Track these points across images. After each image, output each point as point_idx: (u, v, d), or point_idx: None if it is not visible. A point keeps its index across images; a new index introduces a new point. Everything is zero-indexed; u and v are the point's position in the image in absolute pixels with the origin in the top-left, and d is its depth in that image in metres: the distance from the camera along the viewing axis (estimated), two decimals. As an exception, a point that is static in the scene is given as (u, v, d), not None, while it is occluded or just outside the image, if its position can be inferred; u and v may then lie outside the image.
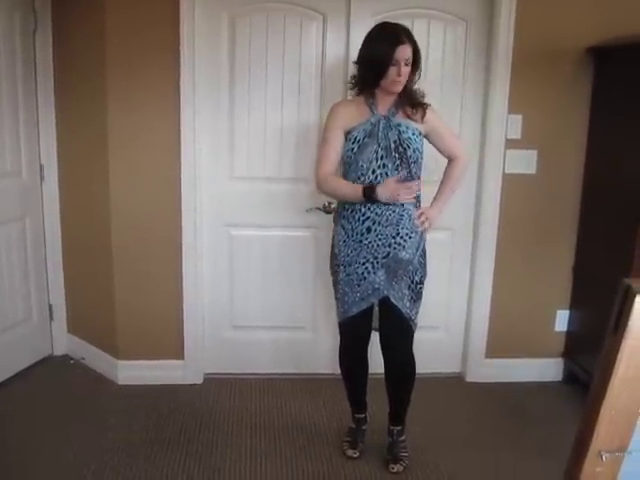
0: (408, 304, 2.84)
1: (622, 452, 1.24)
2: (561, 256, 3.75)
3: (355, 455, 3.07)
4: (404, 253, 2.81)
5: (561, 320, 3.84)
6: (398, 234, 2.80)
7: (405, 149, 2.76)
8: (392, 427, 3.08)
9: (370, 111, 2.79)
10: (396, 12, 3.46)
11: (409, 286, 2.84)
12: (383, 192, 2.71)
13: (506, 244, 3.69)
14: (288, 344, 3.87)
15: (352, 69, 3.46)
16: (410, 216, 2.81)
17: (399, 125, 2.77)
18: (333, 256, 2.97)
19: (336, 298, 2.99)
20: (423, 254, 2.91)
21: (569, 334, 3.85)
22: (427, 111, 2.83)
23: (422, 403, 3.17)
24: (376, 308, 2.91)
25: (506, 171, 3.59)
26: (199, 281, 3.70)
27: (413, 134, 2.78)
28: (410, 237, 2.82)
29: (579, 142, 3.61)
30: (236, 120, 3.57)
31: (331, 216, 3.61)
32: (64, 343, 4.07)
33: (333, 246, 2.97)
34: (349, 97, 3.03)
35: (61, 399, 3.56)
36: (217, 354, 3.85)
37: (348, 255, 2.86)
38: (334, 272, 2.97)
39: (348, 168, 2.84)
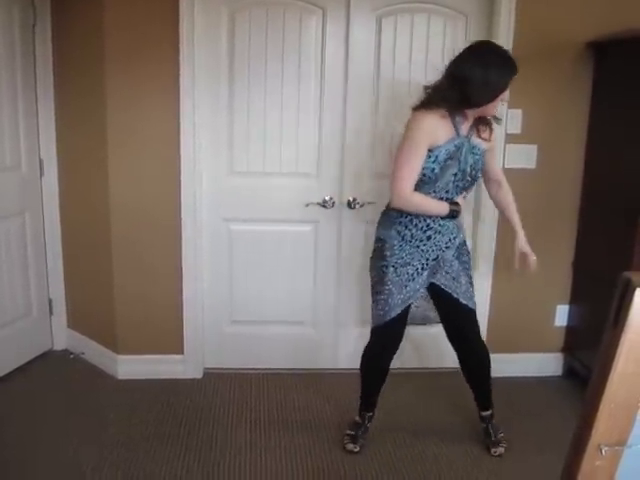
0: (472, 297, 2.97)
1: (621, 446, 1.24)
2: (561, 251, 3.75)
3: (356, 450, 3.08)
4: (448, 252, 2.91)
5: (561, 315, 3.84)
6: (449, 240, 2.89)
7: (477, 172, 2.83)
8: (483, 413, 3.15)
9: (455, 131, 2.72)
10: (396, 6, 3.46)
11: (470, 282, 2.98)
12: (462, 210, 2.87)
13: (506, 239, 3.67)
14: (288, 339, 3.87)
15: (351, 64, 3.49)
16: (456, 222, 2.92)
17: (474, 148, 2.79)
18: (380, 257, 2.92)
19: (376, 300, 2.95)
20: (468, 251, 3.04)
21: (569, 329, 3.85)
22: (494, 131, 2.87)
23: (422, 398, 3.18)
24: (415, 303, 2.98)
25: (506, 166, 3.58)
26: (199, 276, 3.69)
27: (482, 155, 2.82)
28: (455, 239, 2.92)
29: (579, 137, 3.60)
30: (235, 114, 3.57)
31: (331, 211, 3.63)
32: (64, 338, 4.07)
33: (381, 249, 2.92)
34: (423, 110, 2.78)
35: (61, 394, 3.56)
36: (217, 349, 3.85)
37: (402, 258, 2.87)
38: (380, 273, 2.92)
39: (421, 185, 2.76)
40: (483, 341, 3.05)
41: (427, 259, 2.88)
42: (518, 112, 3.53)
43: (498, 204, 3.12)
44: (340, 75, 3.52)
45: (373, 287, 2.98)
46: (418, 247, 2.86)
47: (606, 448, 1.23)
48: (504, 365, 3.80)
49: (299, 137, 3.61)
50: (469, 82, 2.59)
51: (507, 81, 2.64)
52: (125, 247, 3.61)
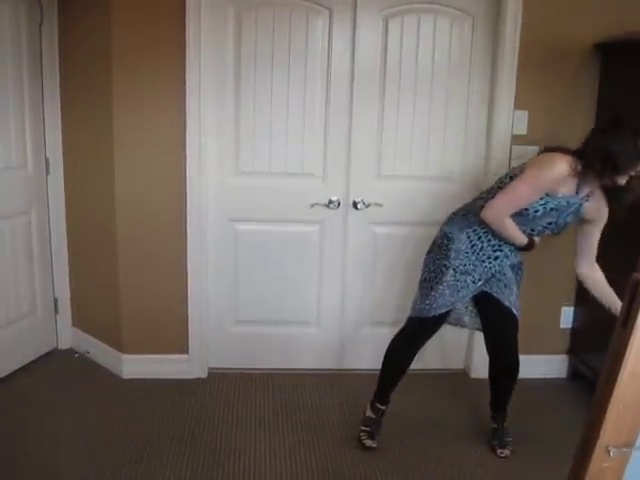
0: (519, 307, 2.97)
1: (629, 448, 1.24)
2: (566, 253, 3.72)
3: (374, 445, 3.08)
4: (506, 268, 2.95)
5: (566, 317, 3.83)
6: (512, 262, 2.96)
7: (568, 224, 2.86)
8: (496, 415, 3.16)
9: (575, 190, 2.77)
10: (402, 7, 3.46)
11: (520, 293, 3.00)
12: (532, 249, 2.92)
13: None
14: (293, 339, 3.87)
15: (357, 64, 3.48)
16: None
17: (579, 210, 2.81)
18: (443, 255, 2.95)
19: (425, 294, 2.98)
20: (521, 263, 3.05)
21: (574, 331, 3.84)
22: (607, 208, 2.83)
23: (426, 399, 3.18)
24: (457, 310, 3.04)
25: (512, 167, 3.58)
26: (204, 276, 3.70)
27: (580, 217, 2.86)
28: (515, 257, 2.98)
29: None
30: (242, 114, 3.57)
31: (336, 211, 3.63)
32: (69, 337, 4.08)
33: (446, 247, 2.95)
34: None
35: (65, 393, 3.56)
36: (222, 349, 3.85)
37: (464, 265, 2.91)
38: (438, 271, 2.95)
39: (519, 215, 2.81)
40: (517, 353, 3.04)
41: (487, 274, 2.92)
42: (524, 113, 3.52)
43: (593, 286, 3.06)
44: (346, 75, 3.52)
45: (426, 280, 3.00)
46: (483, 262, 2.90)
47: (614, 450, 1.23)
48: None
49: (305, 137, 3.60)
50: (601, 154, 2.63)
51: (635, 168, 2.64)
52: (130, 247, 3.61)
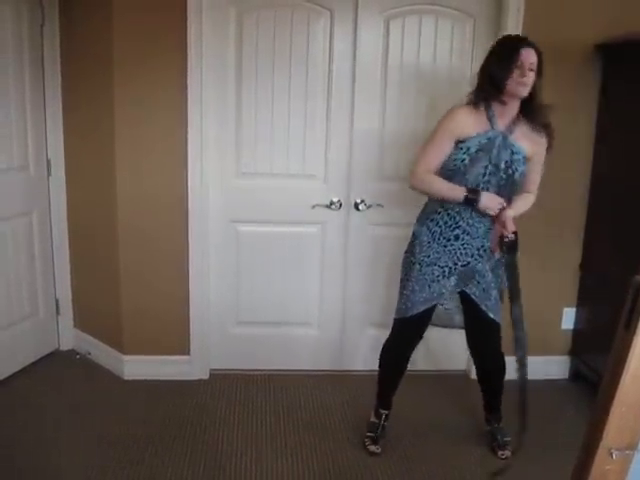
0: (498, 311, 2.92)
1: (632, 450, 1.24)
2: (568, 254, 3.74)
3: (378, 451, 3.08)
4: (481, 265, 2.85)
5: (567, 318, 3.83)
6: (482, 247, 2.84)
7: (514, 171, 2.76)
8: (490, 416, 3.17)
9: (489, 124, 2.73)
10: (403, 8, 3.46)
11: (500, 297, 2.94)
12: (486, 202, 2.72)
13: (513, 241, 3.67)
14: (294, 340, 3.87)
15: (359, 65, 3.49)
16: (491, 231, 2.83)
17: (513, 145, 2.74)
18: (410, 253, 2.96)
19: (401, 293, 2.99)
20: (502, 264, 2.93)
21: (575, 332, 3.84)
22: (543, 138, 2.79)
23: (427, 400, 3.18)
24: (445, 305, 2.97)
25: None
26: (205, 277, 3.70)
27: (522, 157, 2.77)
28: (487, 250, 2.85)
29: (587, 139, 3.59)
30: (243, 116, 3.57)
31: (337, 212, 3.63)
32: (70, 338, 4.08)
33: (412, 244, 2.96)
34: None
35: (67, 394, 3.56)
36: (223, 350, 3.85)
37: (429, 256, 2.87)
38: (407, 268, 2.97)
39: (452, 175, 2.77)
40: (502, 354, 3.04)
41: (455, 263, 2.85)
42: (526, 114, 3.52)
43: None
44: (348, 76, 3.52)
45: (401, 281, 3.01)
46: (445, 247, 2.84)
47: (616, 452, 1.23)
48: (510, 368, 3.79)
49: (306, 138, 3.61)
50: (482, 72, 2.72)
51: (509, 53, 2.63)
52: (132, 248, 3.61)
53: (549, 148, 2.86)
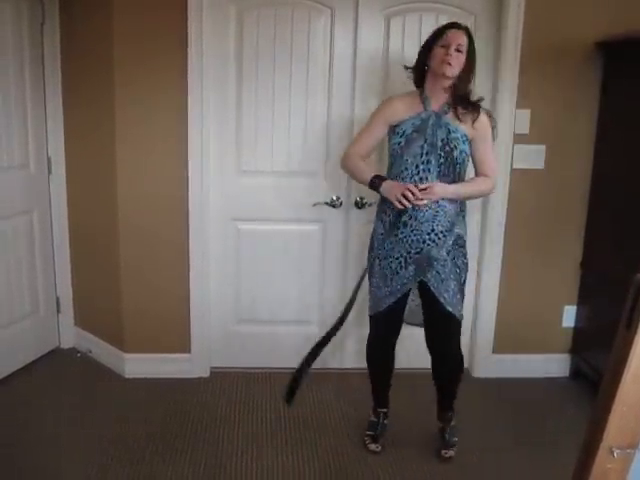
0: (457, 304, 2.86)
1: (633, 449, 1.24)
2: (569, 252, 3.74)
3: (378, 449, 3.08)
4: (435, 251, 2.81)
5: (568, 316, 3.83)
6: (433, 231, 2.79)
7: (452, 149, 2.75)
8: (442, 413, 3.13)
9: (423, 107, 2.79)
10: (404, 6, 3.46)
11: (459, 288, 2.87)
12: (386, 188, 2.77)
13: (513, 239, 3.68)
14: (294, 338, 3.86)
15: (359, 63, 3.49)
16: (446, 213, 2.79)
17: (448, 124, 2.76)
18: (370, 249, 2.99)
19: (369, 291, 3.01)
20: (465, 254, 2.92)
21: (576, 330, 3.84)
22: (480, 117, 2.78)
23: (429, 398, 3.17)
24: (410, 304, 2.97)
25: (514, 166, 3.58)
26: (206, 275, 3.70)
27: (462, 136, 2.76)
28: (445, 235, 2.81)
29: (588, 137, 3.59)
30: (244, 114, 3.57)
31: (338, 210, 3.63)
32: (71, 336, 4.08)
33: (372, 239, 2.98)
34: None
35: (68, 392, 3.57)
36: (224, 348, 3.85)
37: (384, 249, 2.88)
38: (369, 265, 2.99)
39: (393, 161, 2.84)
40: (460, 351, 2.98)
41: (408, 252, 2.82)
42: (526, 112, 3.52)
43: None
44: (348, 74, 3.52)
45: (368, 278, 3.02)
46: (397, 236, 2.83)
47: (618, 451, 1.23)
48: (511, 366, 3.81)
49: (307, 136, 3.60)
50: (420, 50, 2.81)
51: (436, 33, 2.72)
52: (133, 246, 3.61)
53: (493, 129, 2.87)
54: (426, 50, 2.75)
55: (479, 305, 3.80)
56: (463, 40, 2.68)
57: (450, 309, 2.84)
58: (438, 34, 2.71)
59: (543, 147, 3.58)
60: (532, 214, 3.67)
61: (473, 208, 3.67)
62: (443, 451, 3.04)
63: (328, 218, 3.68)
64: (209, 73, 3.45)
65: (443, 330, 2.92)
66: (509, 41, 3.43)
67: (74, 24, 3.61)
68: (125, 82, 3.40)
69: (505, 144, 3.54)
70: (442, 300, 2.83)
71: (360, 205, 3.62)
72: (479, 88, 3.54)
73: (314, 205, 3.63)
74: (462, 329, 3.03)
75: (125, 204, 3.56)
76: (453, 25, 2.73)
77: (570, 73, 3.51)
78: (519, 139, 3.55)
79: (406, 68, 2.87)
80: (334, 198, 3.62)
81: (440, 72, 2.70)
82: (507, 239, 3.67)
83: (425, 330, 2.98)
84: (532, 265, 3.74)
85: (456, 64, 2.67)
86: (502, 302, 3.76)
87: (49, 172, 3.82)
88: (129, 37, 3.35)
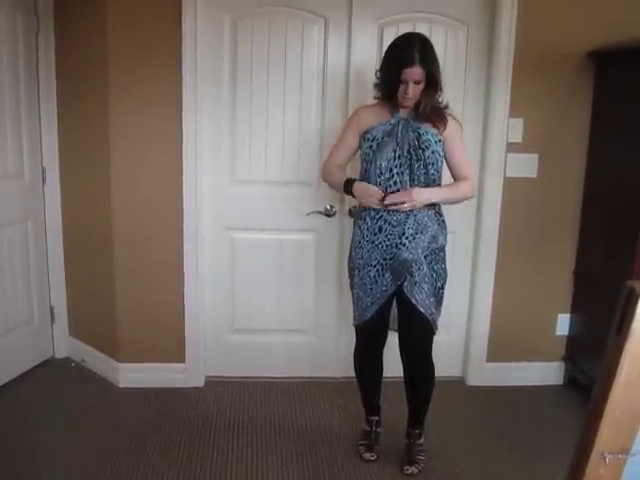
0: (430, 306, 2.84)
1: (625, 454, 1.24)
2: (562, 260, 3.75)
3: (373, 458, 3.07)
4: (407, 254, 2.79)
5: (562, 324, 3.83)
6: (404, 234, 2.79)
7: (424, 150, 2.77)
8: (410, 429, 3.09)
9: (391, 114, 2.82)
10: (398, 16, 3.48)
11: (433, 293, 2.85)
12: (357, 189, 2.83)
13: (507, 248, 3.69)
14: (289, 347, 3.87)
15: (353, 73, 3.51)
16: (416, 216, 2.79)
17: (419, 128, 2.79)
18: (350, 259, 2.99)
19: (352, 301, 3.01)
20: (443, 260, 2.90)
21: (570, 338, 3.85)
22: (448, 123, 2.81)
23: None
24: (394, 310, 2.95)
25: (507, 175, 3.59)
26: (200, 284, 3.70)
27: (432, 137, 2.79)
28: (414, 237, 2.79)
29: (580, 146, 3.61)
30: (238, 123, 3.58)
31: (332, 220, 3.64)
32: (65, 346, 4.07)
33: (350, 248, 2.99)
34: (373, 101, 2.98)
35: (62, 402, 3.56)
36: (218, 357, 3.85)
37: (362, 258, 2.88)
38: (350, 275, 3.00)
39: (368, 167, 2.84)
40: (431, 360, 2.96)
41: (384, 258, 2.83)
42: (519, 121, 3.54)
43: None
44: (342, 84, 3.54)
45: (350, 289, 3.04)
46: (373, 242, 2.84)
47: (610, 456, 1.23)
48: (505, 374, 3.81)
49: (301, 146, 3.62)
50: (382, 70, 2.82)
51: (393, 72, 2.70)
52: (127, 255, 3.61)
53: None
54: (392, 86, 2.72)
55: (473, 313, 3.81)
56: (417, 74, 2.66)
57: (422, 310, 2.81)
58: (397, 72, 2.67)
59: (536, 156, 3.59)
60: (525, 223, 3.69)
61: (467, 216, 3.69)
62: (405, 467, 2.98)
63: (322, 227, 3.69)
64: (203, 81, 3.46)
65: (415, 332, 2.90)
66: (502, 51, 3.46)
67: (69, 34, 3.63)
68: (120, 92, 3.41)
69: (498, 153, 3.57)
70: (414, 301, 2.81)
71: (353, 214, 3.62)
72: (472, 97, 3.58)
73: (308, 214, 3.63)
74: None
75: (120, 214, 3.56)
76: (405, 62, 2.65)
77: (563, 82, 3.53)
78: (512, 148, 3.57)
79: (377, 78, 2.86)
80: (328, 207, 3.62)
81: (403, 105, 2.78)
82: (500, 248, 3.68)
83: (398, 334, 2.97)
84: (526, 273, 3.75)
85: (415, 94, 2.71)
86: (496, 310, 3.76)
87: (43, 182, 3.82)
88: (123, 48, 3.36)
